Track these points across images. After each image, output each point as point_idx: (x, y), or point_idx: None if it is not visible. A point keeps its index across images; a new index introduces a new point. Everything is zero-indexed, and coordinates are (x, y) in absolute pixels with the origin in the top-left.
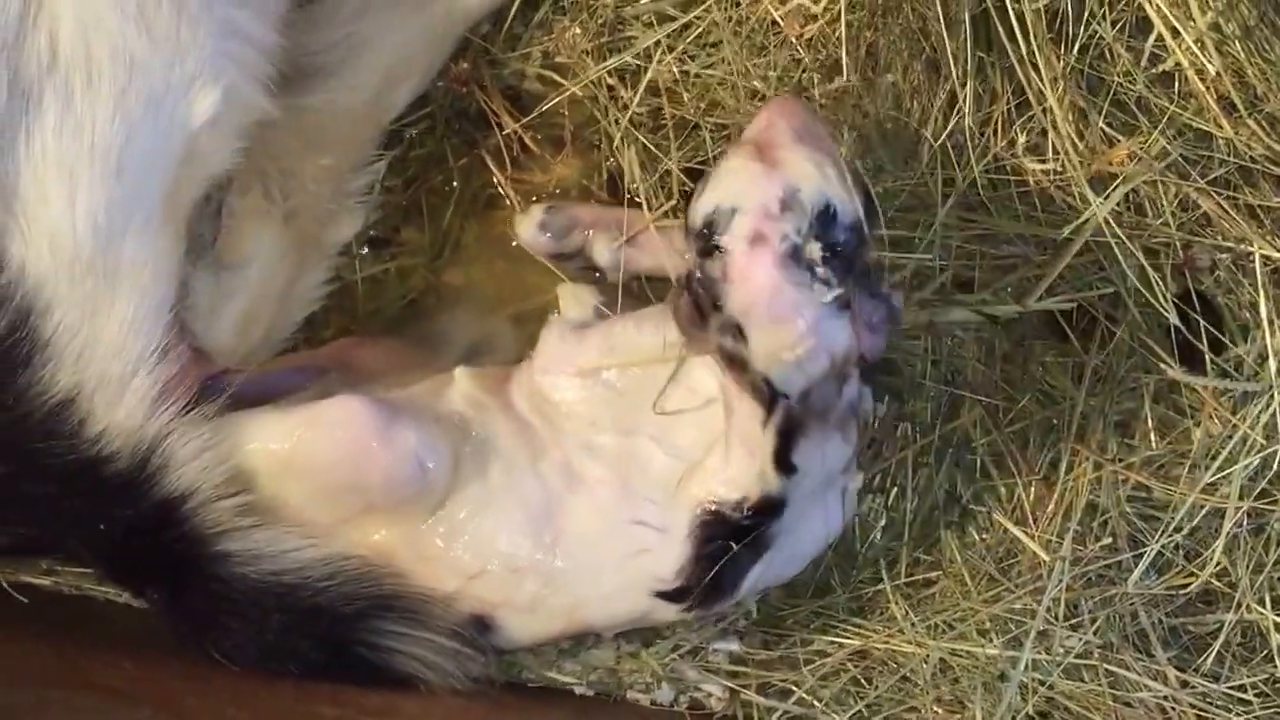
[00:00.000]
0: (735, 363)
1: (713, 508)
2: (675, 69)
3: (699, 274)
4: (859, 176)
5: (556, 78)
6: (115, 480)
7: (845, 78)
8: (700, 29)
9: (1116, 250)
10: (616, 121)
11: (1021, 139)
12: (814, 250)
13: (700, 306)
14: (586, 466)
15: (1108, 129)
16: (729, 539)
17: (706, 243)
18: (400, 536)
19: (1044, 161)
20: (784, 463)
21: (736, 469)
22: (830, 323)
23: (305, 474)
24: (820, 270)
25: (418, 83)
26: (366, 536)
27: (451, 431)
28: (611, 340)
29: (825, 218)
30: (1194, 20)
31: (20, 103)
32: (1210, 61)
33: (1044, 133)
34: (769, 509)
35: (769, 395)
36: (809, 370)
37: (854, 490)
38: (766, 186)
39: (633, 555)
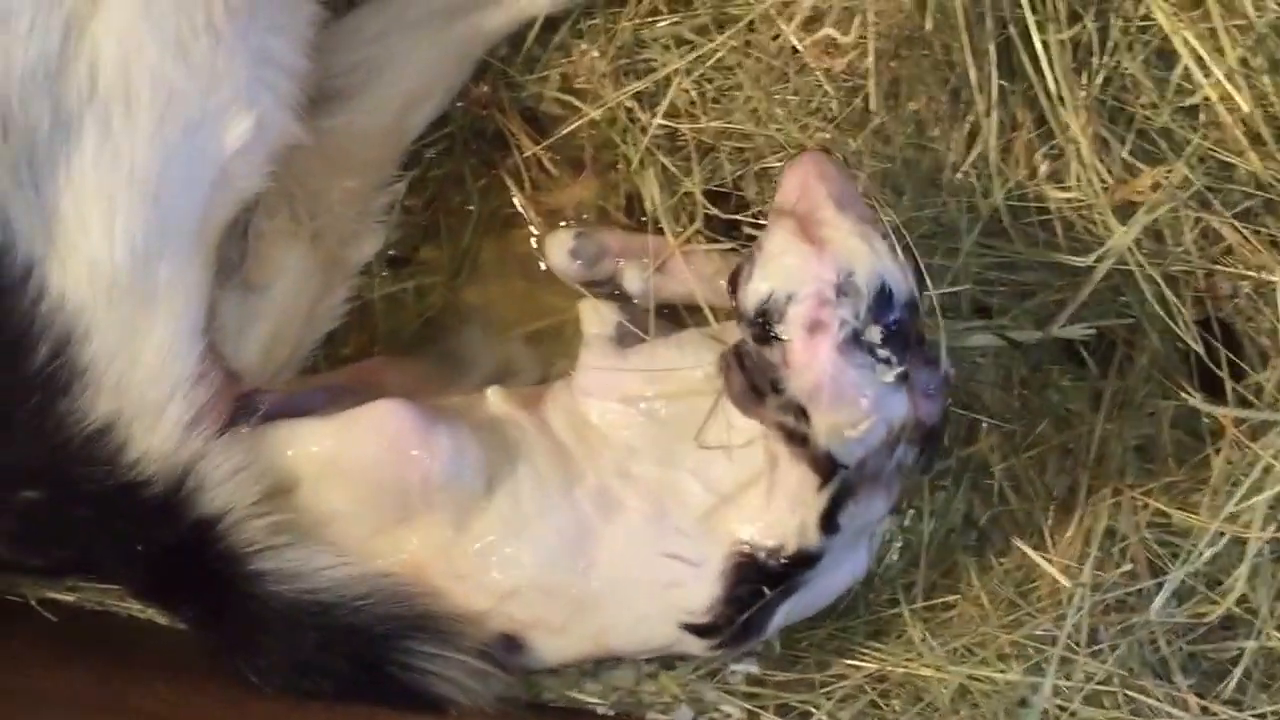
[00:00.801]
0: (795, 437)
1: (747, 550)
2: (694, 92)
3: (755, 359)
4: (904, 240)
5: (576, 102)
6: (152, 503)
7: (873, 107)
8: (721, 54)
9: (1139, 277)
10: (635, 144)
11: (1043, 167)
12: (873, 333)
13: (757, 387)
14: (624, 494)
15: (1128, 158)
16: (762, 583)
17: (763, 330)
18: (435, 552)
19: (1065, 189)
20: (829, 524)
21: (776, 518)
22: (891, 397)
23: (348, 476)
24: (881, 351)
25: (437, 104)
26: (401, 551)
27: (487, 442)
28: (655, 365)
29: (881, 298)
30: (1224, 55)
31: (61, 131)
32: (1244, 99)
33: (1063, 159)
34: (804, 561)
35: (828, 467)
36: (869, 442)
37: (881, 532)
38: (819, 271)
39: (665, 587)
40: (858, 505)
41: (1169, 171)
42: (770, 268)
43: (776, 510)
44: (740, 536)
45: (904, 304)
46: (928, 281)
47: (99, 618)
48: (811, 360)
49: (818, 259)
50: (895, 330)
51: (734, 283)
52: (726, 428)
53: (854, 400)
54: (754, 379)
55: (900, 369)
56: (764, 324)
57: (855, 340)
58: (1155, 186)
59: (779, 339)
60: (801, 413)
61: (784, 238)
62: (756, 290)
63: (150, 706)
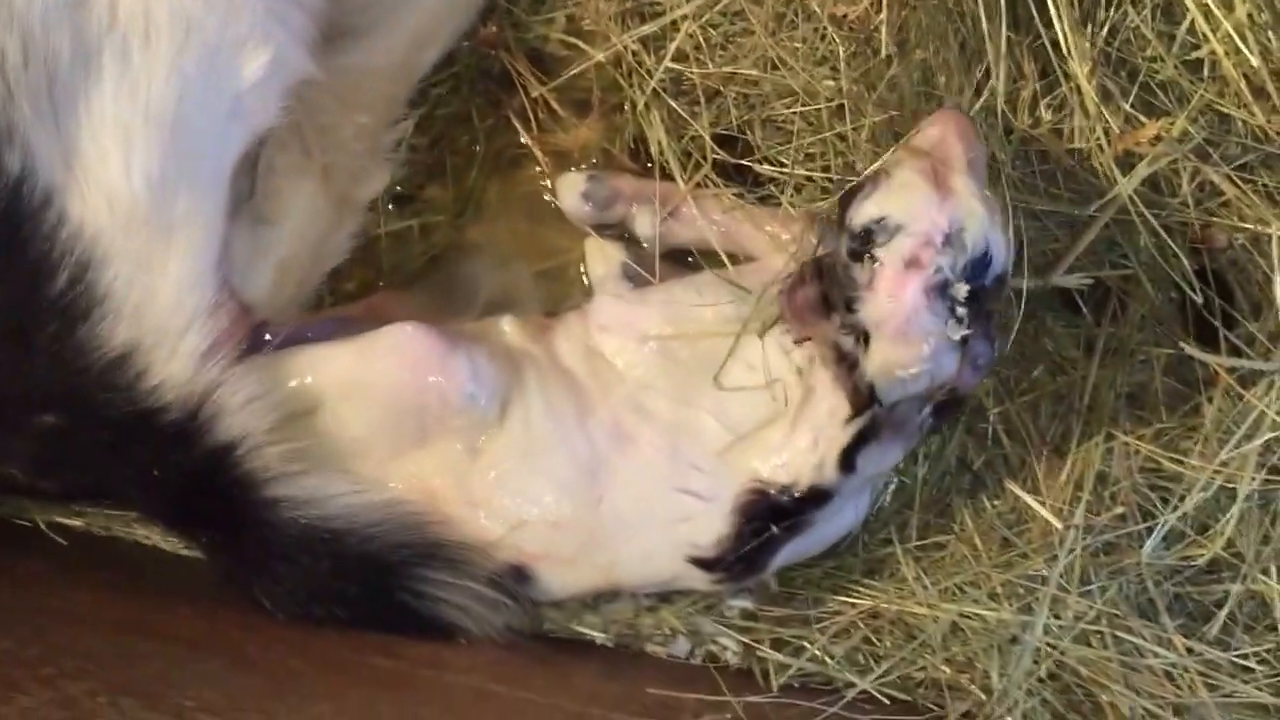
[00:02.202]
0: (844, 360)
1: (760, 487)
2: (700, 37)
3: (840, 274)
4: (1016, 224)
5: (581, 44)
6: (169, 430)
7: (885, 53)
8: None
9: (1140, 226)
10: (641, 88)
11: (1046, 118)
12: (960, 290)
13: (830, 300)
14: (638, 429)
15: (1131, 110)
16: (771, 520)
17: (861, 246)
18: (449, 478)
19: (1068, 140)
20: (848, 461)
21: (794, 455)
22: (947, 354)
23: (367, 398)
24: (959, 310)
25: (446, 43)
26: (416, 476)
27: (503, 369)
28: (672, 308)
29: (980, 262)
30: (1232, 9)
31: (81, 62)
32: (1252, 53)
33: (1067, 110)
34: (816, 498)
35: (865, 399)
36: (910, 388)
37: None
38: (936, 215)
39: (675, 521)
40: (877, 449)
41: (1171, 124)
42: (892, 196)
43: (797, 447)
44: (756, 473)
45: (996, 275)
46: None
47: (107, 543)
48: (896, 291)
49: (939, 204)
50: (978, 295)
51: (848, 197)
52: (745, 369)
53: (917, 343)
54: (829, 291)
55: (967, 331)
56: (865, 242)
57: (942, 289)
58: (1157, 139)
59: (874, 260)
60: (863, 337)
61: (913, 174)
62: (870, 210)
63: (175, 628)
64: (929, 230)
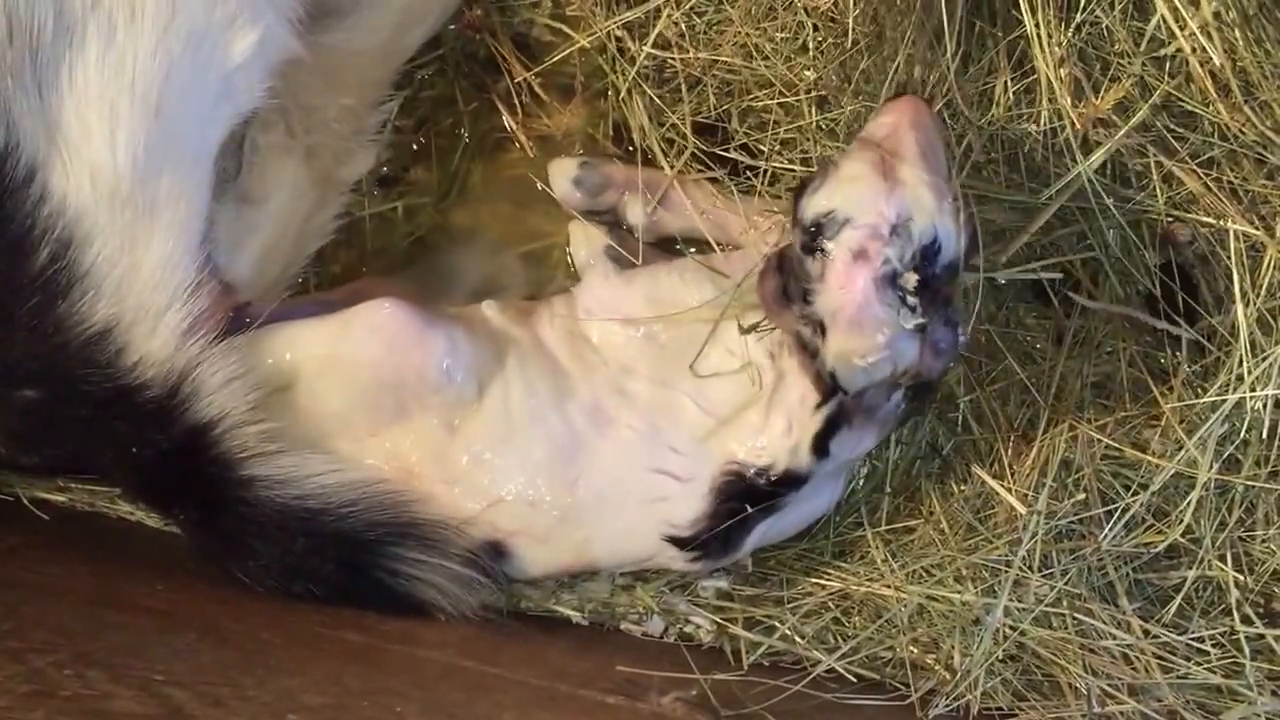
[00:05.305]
0: (806, 349)
1: (738, 469)
2: (683, 25)
3: (796, 266)
4: (970, 210)
5: (566, 29)
6: (148, 406)
7: (849, 44)
8: None
9: (1100, 219)
10: (623, 74)
11: (1017, 111)
12: (910, 280)
13: (788, 292)
14: (618, 411)
15: (1099, 106)
16: (747, 501)
17: (811, 240)
18: (427, 455)
19: (1038, 133)
20: (821, 447)
21: (771, 439)
22: (904, 342)
23: (345, 374)
24: (910, 299)
25: (432, 25)
26: (395, 454)
27: (481, 348)
28: (657, 291)
29: (929, 251)
30: (1199, 7)
31: (65, 36)
32: (1215, 52)
33: (1038, 102)
34: (791, 481)
35: (829, 387)
36: (872, 376)
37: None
38: (883, 207)
39: (652, 501)
40: (850, 434)
41: (1135, 106)
42: (839, 188)
43: (773, 431)
44: (734, 455)
45: (947, 264)
46: (980, 256)
47: (90, 518)
48: (846, 284)
49: (885, 195)
50: (929, 284)
51: (799, 191)
52: (724, 354)
53: (870, 334)
54: (788, 283)
55: (921, 320)
56: (815, 236)
57: (891, 280)
58: (1118, 106)
59: (824, 254)
60: (820, 328)
61: (862, 166)
62: (819, 204)
63: (146, 601)
64: (875, 222)
